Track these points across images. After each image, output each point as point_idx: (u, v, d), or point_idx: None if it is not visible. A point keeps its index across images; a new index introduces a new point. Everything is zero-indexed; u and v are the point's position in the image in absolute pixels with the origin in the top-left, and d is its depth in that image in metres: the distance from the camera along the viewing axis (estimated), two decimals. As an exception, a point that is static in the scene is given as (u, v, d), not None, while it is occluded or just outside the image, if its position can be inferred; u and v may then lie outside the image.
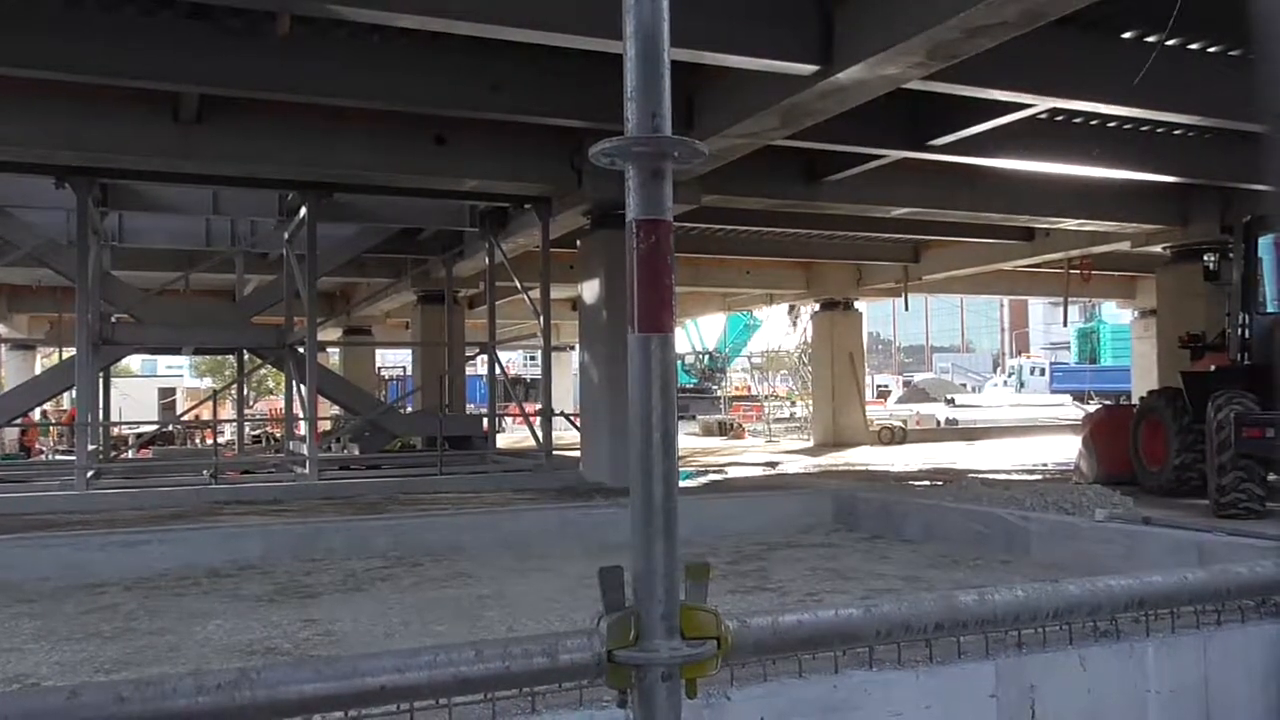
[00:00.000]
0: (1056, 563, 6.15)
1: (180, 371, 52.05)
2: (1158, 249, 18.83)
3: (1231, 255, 11.36)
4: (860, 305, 27.40)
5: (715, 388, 44.62)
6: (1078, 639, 3.19)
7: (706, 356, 46.84)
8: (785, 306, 31.38)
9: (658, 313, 2.32)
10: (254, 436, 25.71)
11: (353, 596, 5.63)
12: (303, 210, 14.85)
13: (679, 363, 35.94)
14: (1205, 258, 12.09)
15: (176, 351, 21.91)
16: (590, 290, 14.76)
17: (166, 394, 39.44)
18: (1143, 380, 24.50)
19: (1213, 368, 11.22)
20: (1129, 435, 12.65)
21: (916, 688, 2.89)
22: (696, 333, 47.69)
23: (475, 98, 11.17)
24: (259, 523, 8.75)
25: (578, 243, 15.33)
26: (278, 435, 23.07)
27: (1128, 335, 34.11)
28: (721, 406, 38.26)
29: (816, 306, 26.88)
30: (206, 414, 23.50)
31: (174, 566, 6.44)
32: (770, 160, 13.62)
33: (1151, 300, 23.80)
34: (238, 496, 12.78)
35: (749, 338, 44.12)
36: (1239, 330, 10.95)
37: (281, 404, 22.17)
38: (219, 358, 41.93)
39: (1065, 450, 18.30)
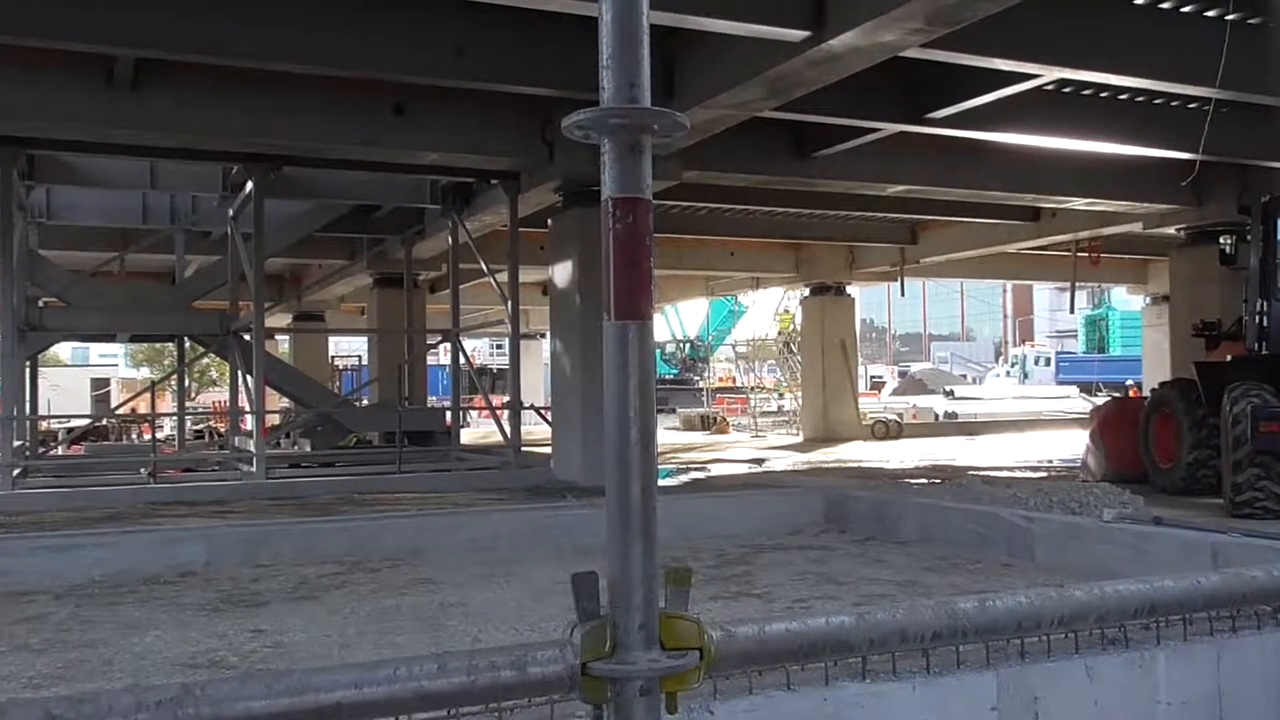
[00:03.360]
0: (1062, 566, 6.20)
1: (115, 361, 51.59)
2: (1171, 230, 18.97)
3: (1249, 237, 11.46)
4: (853, 290, 27.47)
5: (697, 379, 44.64)
6: (1084, 648, 3.22)
7: (687, 345, 46.88)
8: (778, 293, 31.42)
9: (635, 298, 2.32)
10: (196, 432, 25.48)
11: (304, 605, 5.62)
12: (248, 185, 14.72)
13: (658, 352, 35.92)
14: (1221, 240, 12.19)
15: (111, 339, 21.72)
16: (562, 273, 14.73)
17: (100, 385, 39.16)
18: (1154, 371, 24.72)
19: (1229, 358, 11.31)
20: (1139, 430, 12.76)
21: (913, 700, 2.91)
22: (677, 319, 47.70)
23: (437, 63, 11.10)
24: (202, 525, 8.70)
25: (549, 222, 15.28)
26: (222, 430, 22.91)
27: (1138, 323, 34.41)
28: (704, 399, 38.28)
29: (806, 291, 26.94)
30: (144, 407, 23.35)
31: (109, 573, 6.40)
32: (757, 133, 13.61)
33: (1164, 285, 23.99)
34: (178, 497, 12.70)
35: (733, 325, 44.20)
36: (1257, 318, 11.04)
37: (226, 396, 22.02)
38: (157, 346, 41.60)
39: (1071, 446, 18.45)
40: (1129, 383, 39.29)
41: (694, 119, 11.05)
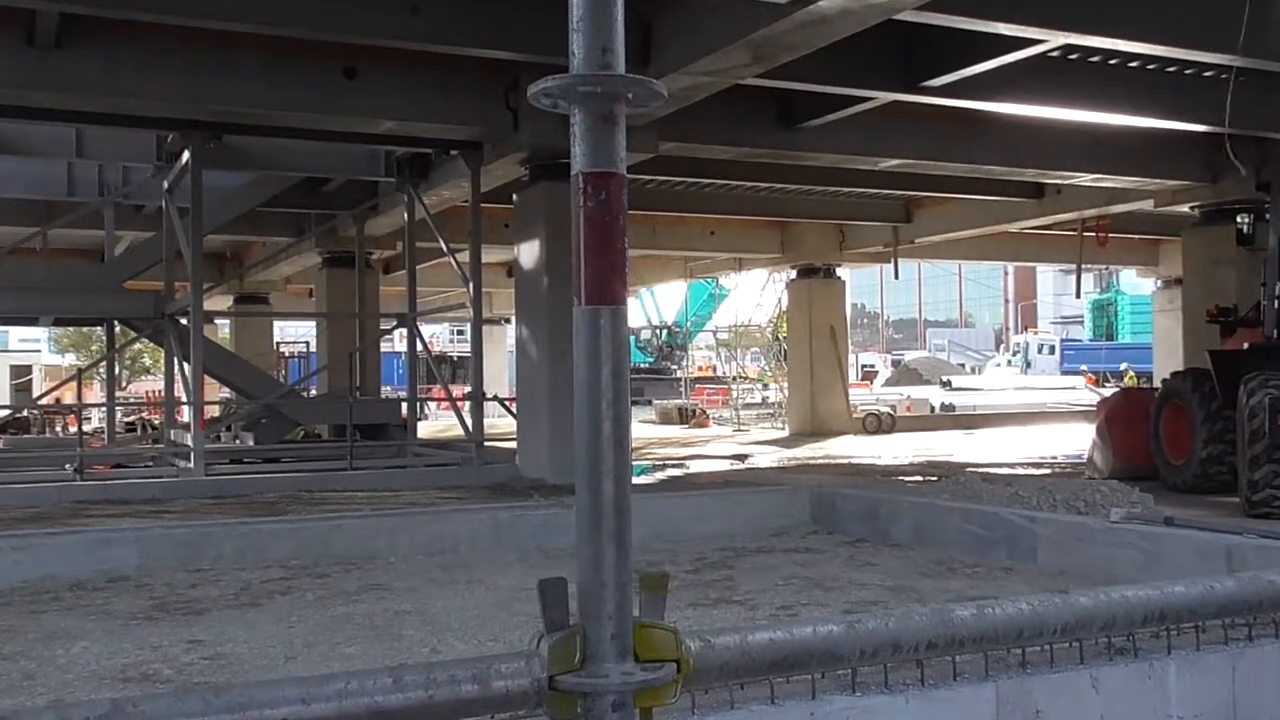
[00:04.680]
0: (1066, 570, 6.26)
1: (37, 346, 51.17)
2: (1184, 209, 19.12)
3: (1268, 216, 11.56)
4: (843, 272, 27.54)
5: (674, 368, 44.79)
6: (1089, 658, 3.25)
7: (664, 332, 46.97)
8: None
9: (608, 281, 2.32)
10: (127, 424, 25.35)
11: (246, 613, 5.60)
12: (185, 155, 14.61)
13: (632, 339, 35.85)
14: (1239, 219, 12.29)
15: (33, 322, 21.54)
16: (528, 253, 14.70)
17: (21, 373, 38.84)
18: (1166, 359, 24.92)
19: (1246, 345, 11.42)
20: (1149, 424, 12.87)
21: (906, 714, 2.93)
22: (653, 304, 47.77)
23: (392, 22, 11.03)
24: (134, 526, 8.63)
25: (514, 197, 15.25)
26: (156, 423, 22.77)
27: (1149, 308, 34.71)
28: (682, 390, 38.39)
29: (792, 273, 27.00)
30: (69, 397, 23.13)
31: (31, 578, 6.34)
32: (740, 102, 13.61)
33: (1176, 268, 24.18)
34: (108, 495, 12.62)
35: (714, 309, 44.29)
36: (1275, 302, 11.15)
37: (160, 386, 21.87)
38: (84, 330, 41.32)
39: (1077, 441, 18.61)
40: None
41: (672, 87, 11.03)
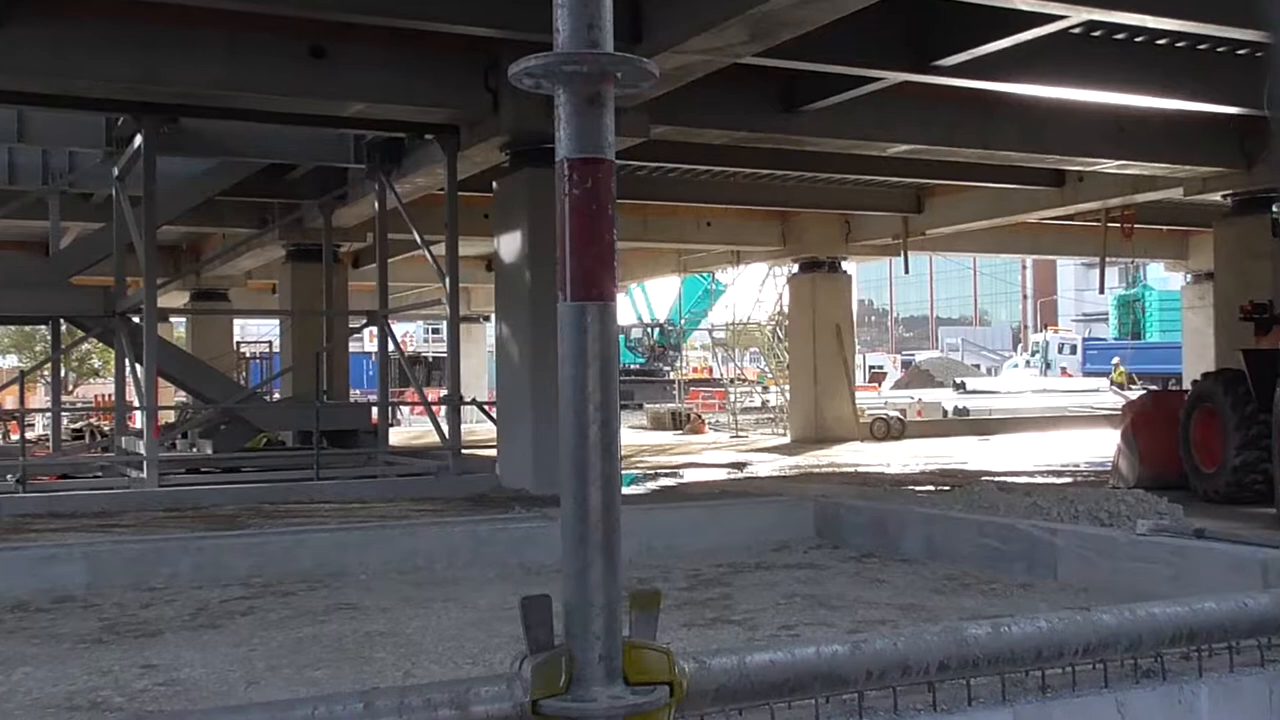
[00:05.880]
0: (1089, 586, 6.27)
1: (-24, 347, 51.00)
2: (1216, 197, 19.18)
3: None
4: (849, 266, 27.57)
5: (667, 369, 44.76)
6: (1114, 680, 3.26)
7: (656, 330, 46.95)
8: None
9: (595, 275, 2.32)
10: (74, 431, 25.26)
11: (204, 635, 5.59)
12: (138, 139, 14.57)
13: (621, 338, 35.85)
14: (1275, 209, 12.34)
15: (-28, 321, 21.47)
16: (509, 246, 14.70)
17: (-41, 376, 38.61)
18: (1196, 360, 25.02)
19: (1281, 345, 11.48)
20: (1178, 429, 12.91)
21: (916, 742, 2.94)
22: (644, 300, 47.79)
23: (362, -3, 11.04)
24: (82, 541, 8.62)
25: (494, 185, 15.24)
26: (106, 429, 22.71)
27: (1178, 304, 34.82)
28: (675, 393, 38.38)
29: (794, 267, 27.03)
30: (11, 402, 23.08)
31: (-30, 598, 6.33)
32: (738, 83, 13.63)
33: (1207, 261, 24.26)
34: (53, 507, 12.58)
35: (709, 306, 44.27)
36: (1313, 299, 11.20)
37: (110, 389, 21.80)
38: (27, 329, 41.15)
39: (1101, 447, 18.65)
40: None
41: (664, 66, 11.05)
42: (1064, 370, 46.22)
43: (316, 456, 15.31)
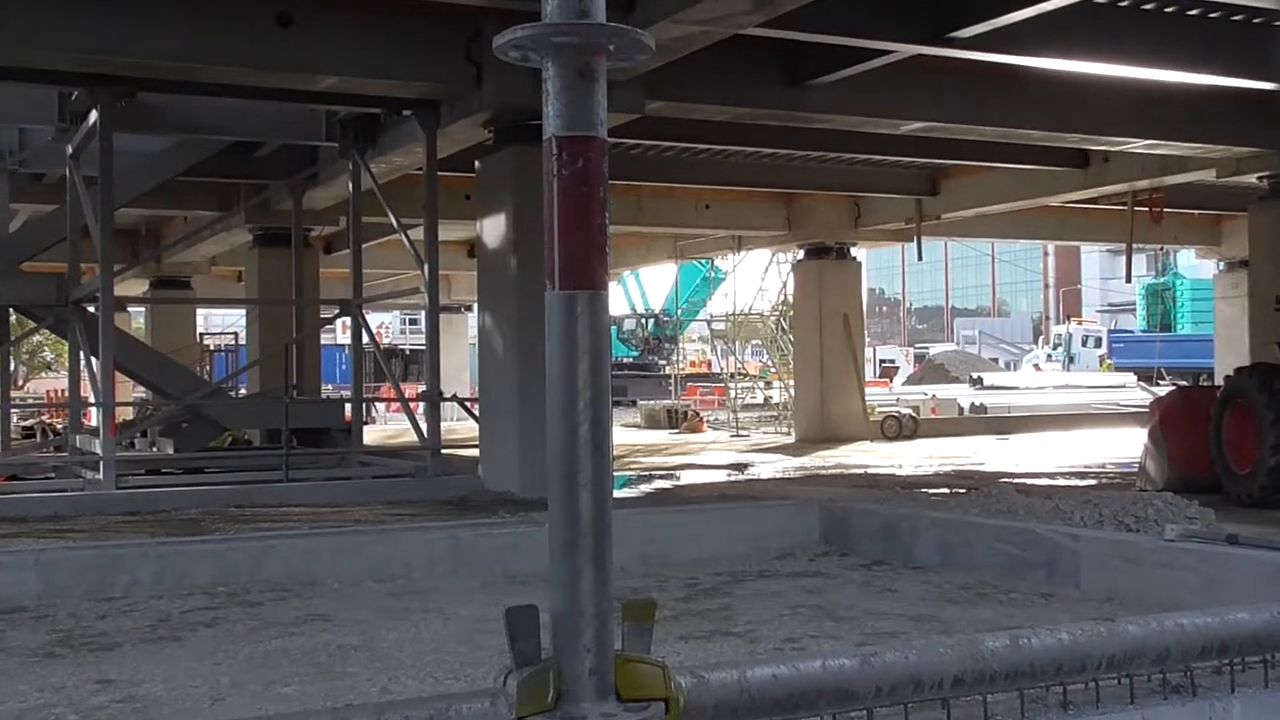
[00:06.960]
0: (1113, 595, 6.30)
1: (-80, 338, 50.88)
2: (1251, 180, 19.20)
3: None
4: (858, 252, 27.59)
5: (663, 363, 44.78)
6: (1141, 696, 3.27)
7: (651, 321, 46.96)
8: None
9: (585, 261, 2.32)
10: (25, 429, 25.24)
11: (165, 648, 5.59)
12: (93, 115, 14.54)
13: (614, 330, 35.81)
14: (1314, 192, 12.35)
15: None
16: (493, 230, 14.69)
17: (-100, 370, 38.49)
18: (1229, 353, 25.05)
19: (1321, 338, 11.51)
20: (1209, 427, 12.93)
21: (929, 763, 2.95)
22: (638, 289, 47.74)
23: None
24: (32, 548, 8.62)
25: (476, 165, 15.23)
26: (59, 427, 22.68)
27: (1210, 294, 34.86)
28: (671, 388, 38.37)
29: (799, 254, 27.02)
30: (-42, 398, 23.02)
31: (-87, 609, 6.32)
32: (739, 55, 13.63)
33: (1242, 248, 24.31)
34: (2, 511, 12.57)
35: (708, 296, 44.27)
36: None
37: (64, 384, 21.76)
38: (-25, 320, 41.01)
39: (1127, 447, 18.69)
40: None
41: (659, 37, 11.04)
42: (1103, 360, 46.23)
43: (286, 457, 15.30)
